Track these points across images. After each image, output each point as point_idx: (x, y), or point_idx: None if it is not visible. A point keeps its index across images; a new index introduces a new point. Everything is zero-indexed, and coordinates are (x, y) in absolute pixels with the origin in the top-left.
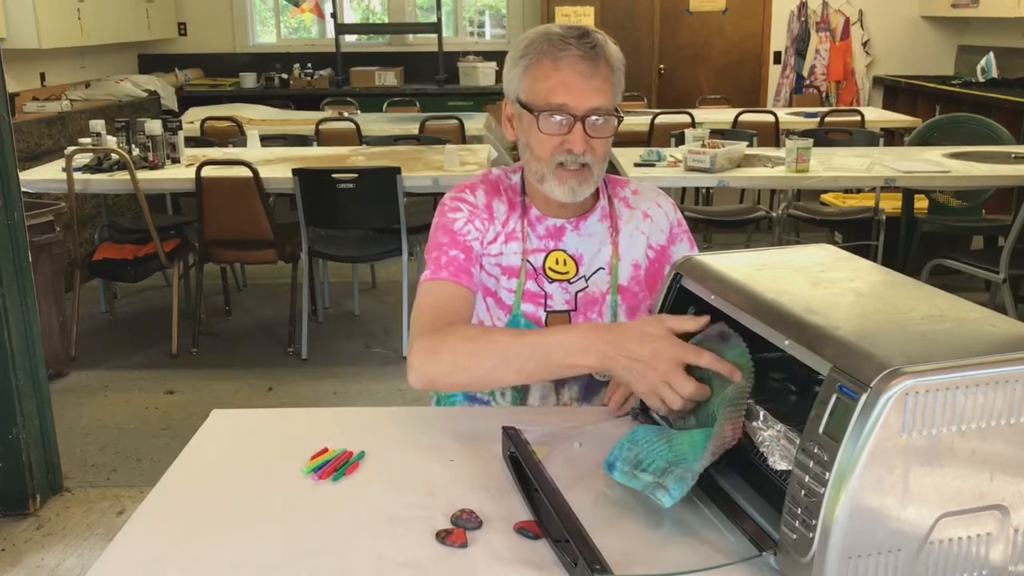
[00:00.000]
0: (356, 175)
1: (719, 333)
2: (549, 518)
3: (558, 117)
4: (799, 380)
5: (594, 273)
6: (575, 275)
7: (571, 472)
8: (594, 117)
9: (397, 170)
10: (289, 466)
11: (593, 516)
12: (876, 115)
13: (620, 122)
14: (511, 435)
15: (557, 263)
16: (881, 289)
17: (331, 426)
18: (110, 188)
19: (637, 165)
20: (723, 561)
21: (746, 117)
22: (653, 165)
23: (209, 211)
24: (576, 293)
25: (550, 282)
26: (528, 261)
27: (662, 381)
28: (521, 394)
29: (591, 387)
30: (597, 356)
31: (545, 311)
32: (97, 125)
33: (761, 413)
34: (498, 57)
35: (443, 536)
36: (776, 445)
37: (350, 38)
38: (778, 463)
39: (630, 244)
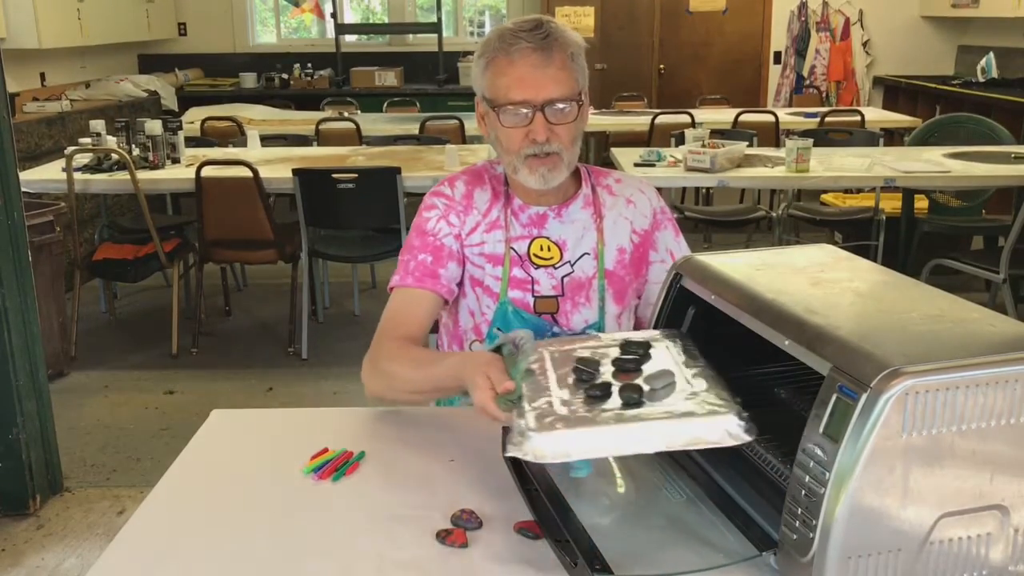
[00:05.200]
0: (356, 175)
1: (515, 339)
2: (549, 518)
3: (519, 110)
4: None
5: (579, 258)
6: (559, 260)
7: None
8: (554, 105)
9: (397, 170)
10: (289, 466)
11: (593, 516)
12: (876, 115)
13: (582, 106)
14: None
15: (541, 249)
16: (881, 289)
17: (331, 426)
18: (110, 188)
19: (637, 165)
20: (723, 561)
21: (746, 117)
22: (653, 165)
23: (209, 211)
24: (562, 278)
25: (536, 268)
26: (512, 248)
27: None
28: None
29: None
30: (457, 379)
31: (533, 296)
32: (97, 125)
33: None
34: None
35: (443, 536)
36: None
37: (350, 38)
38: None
39: (614, 229)
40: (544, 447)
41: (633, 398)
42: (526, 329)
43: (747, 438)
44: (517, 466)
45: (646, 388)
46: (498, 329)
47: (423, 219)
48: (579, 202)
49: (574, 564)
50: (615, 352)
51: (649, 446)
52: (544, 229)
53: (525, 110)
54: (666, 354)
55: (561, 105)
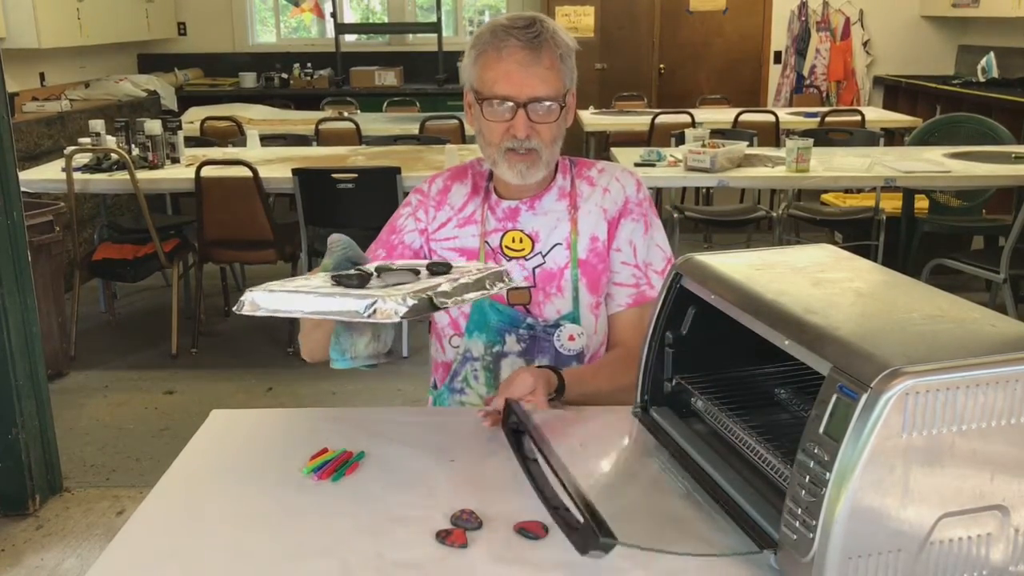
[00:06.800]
0: (356, 175)
1: (331, 244)
2: (548, 487)
3: (503, 105)
4: None
5: (551, 249)
6: (531, 252)
7: (571, 472)
8: (538, 104)
9: (397, 170)
10: (289, 466)
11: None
12: (876, 115)
13: (565, 108)
14: (514, 407)
15: (513, 241)
16: (881, 289)
17: (331, 426)
18: (110, 188)
19: (637, 165)
20: (726, 551)
21: (746, 117)
22: (653, 165)
23: (209, 211)
24: (533, 269)
25: (508, 260)
26: (486, 242)
27: None
28: (493, 372)
29: (559, 363)
30: None
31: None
32: (97, 125)
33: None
34: None
35: (443, 536)
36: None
37: (350, 38)
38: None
39: (588, 219)
40: (247, 300)
41: (351, 282)
42: (339, 233)
43: (388, 317)
44: (517, 438)
45: (374, 280)
46: (468, 325)
47: (396, 215)
48: (553, 194)
49: (575, 530)
50: (420, 268)
51: (310, 308)
52: (517, 222)
53: (508, 105)
54: (456, 274)
55: (545, 104)
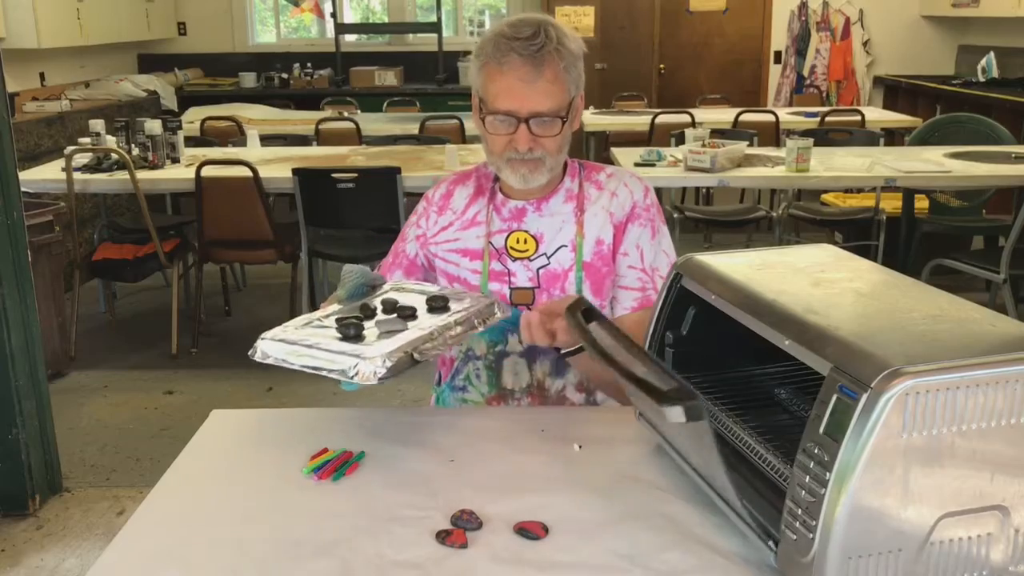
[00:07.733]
0: (356, 175)
1: (344, 274)
2: (621, 354)
3: (504, 119)
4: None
5: (556, 251)
6: (535, 253)
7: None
8: (539, 118)
9: (397, 170)
10: (289, 466)
11: (594, 516)
12: (876, 115)
13: (566, 121)
14: (586, 301)
15: (518, 242)
16: (881, 289)
17: (331, 426)
18: (110, 188)
19: (637, 165)
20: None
21: (746, 117)
22: (653, 165)
23: (209, 211)
24: (538, 270)
25: (512, 260)
26: (491, 243)
27: None
28: (495, 373)
29: (560, 363)
30: None
31: (509, 288)
32: (97, 125)
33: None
34: None
35: (443, 536)
36: None
37: (350, 38)
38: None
39: (594, 222)
40: (259, 347)
41: (348, 333)
42: (353, 264)
43: (368, 380)
44: (587, 318)
45: (370, 327)
46: None
47: (408, 221)
48: (560, 196)
49: (656, 388)
50: (421, 300)
51: (311, 364)
52: (523, 223)
53: (510, 119)
54: (446, 314)
55: (546, 118)
